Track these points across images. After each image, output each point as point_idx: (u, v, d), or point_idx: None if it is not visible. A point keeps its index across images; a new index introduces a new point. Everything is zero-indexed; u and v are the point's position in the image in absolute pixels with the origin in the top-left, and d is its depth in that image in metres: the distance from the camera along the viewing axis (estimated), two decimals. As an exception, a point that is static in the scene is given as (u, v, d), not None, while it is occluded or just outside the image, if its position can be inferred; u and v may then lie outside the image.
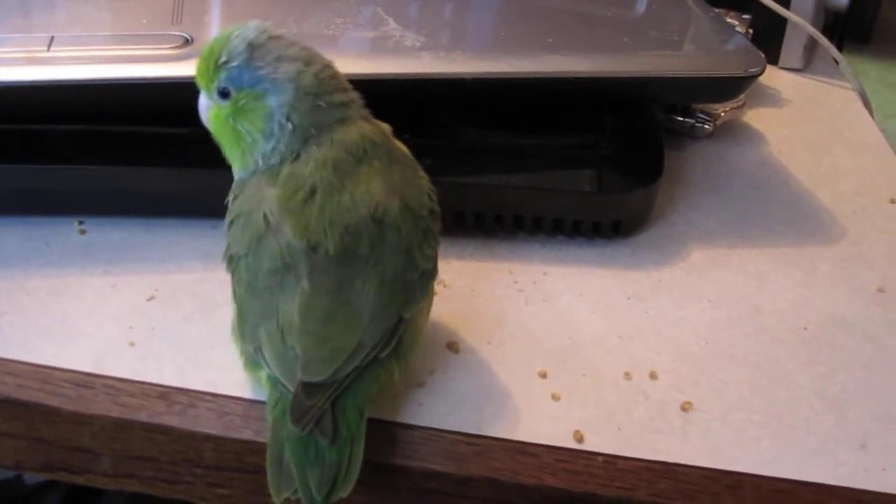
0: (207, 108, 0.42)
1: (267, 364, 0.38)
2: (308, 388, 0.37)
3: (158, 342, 0.44)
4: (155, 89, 0.48)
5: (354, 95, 0.41)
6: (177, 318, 0.46)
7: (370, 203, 0.38)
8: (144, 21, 0.53)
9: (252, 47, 0.39)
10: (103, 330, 0.45)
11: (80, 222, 0.51)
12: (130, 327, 0.45)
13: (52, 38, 0.50)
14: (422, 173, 0.42)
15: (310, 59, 0.40)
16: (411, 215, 0.40)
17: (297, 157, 0.39)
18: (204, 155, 0.50)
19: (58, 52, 0.49)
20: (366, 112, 0.42)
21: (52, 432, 0.42)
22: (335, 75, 0.41)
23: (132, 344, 0.44)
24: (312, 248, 0.38)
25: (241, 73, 0.39)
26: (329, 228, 0.38)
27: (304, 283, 0.38)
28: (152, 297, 0.47)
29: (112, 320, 0.45)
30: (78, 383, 0.42)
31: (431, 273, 0.41)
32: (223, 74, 0.40)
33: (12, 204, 0.50)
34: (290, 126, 0.39)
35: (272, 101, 0.39)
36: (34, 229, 0.50)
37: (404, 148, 0.42)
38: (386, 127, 0.42)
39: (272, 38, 0.40)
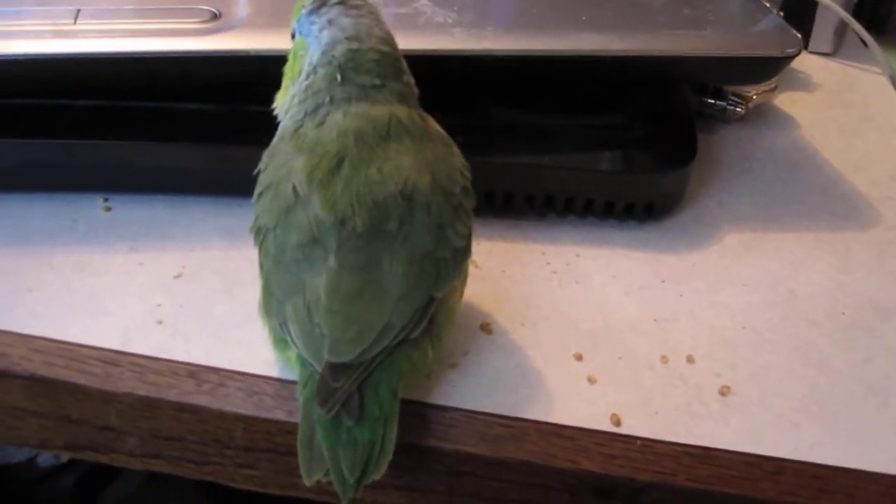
0: None
1: (293, 341, 0.37)
2: (335, 370, 0.36)
3: (186, 320, 0.44)
4: (183, 63, 0.48)
5: (394, 85, 0.41)
6: (204, 296, 0.45)
7: (399, 178, 0.38)
8: (171, -5, 0.52)
9: (319, 4, 0.41)
10: (130, 307, 0.44)
11: (105, 199, 0.50)
12: (158, 305, 0.44)
13: (79, 11, 0.49)
14: (456, 151, 0.41)
15: (360, 35, 0.41)
16: (442, 192, 0.39)
17: (322, 124, 0.39)
18: (230, 131, 0.50)
19: (84, 25, 0.48)
20: (408, 101, 0.41)
21: (79, 411, 0.41)
22: (380, 61, 0.40)
23: (160, 322, 0.43)
24: (341, 223, 0.37)
25: (302, 22, 0.42)
26: (356, 204, 0.37)
27: (331, 261, 0.37)
28: (179, 275, 0.46)
29: (139, 297, 0.45)
30: (105, 361, 0.42)
31: (464, 251, 0.40)
32: (296, 18, 0.42)
33: (37, 179, 0.50)
34: (306, 83, 0.41)
35: (308, 56, 0.41)
36: (59, 206, 0.49)
37: (442, 131, 0.41)
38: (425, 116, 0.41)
39: (345, 3, 0.41)
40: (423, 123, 0.41)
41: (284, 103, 0.42)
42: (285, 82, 0.43)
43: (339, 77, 0.40)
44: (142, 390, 0.41)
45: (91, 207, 0.50)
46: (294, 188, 0.38)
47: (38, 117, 0.49)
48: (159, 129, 0.50)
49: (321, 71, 0.40)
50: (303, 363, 0.38)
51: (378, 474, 0.36)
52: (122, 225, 0.49)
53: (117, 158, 0.49)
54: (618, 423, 0.40)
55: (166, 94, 0.50)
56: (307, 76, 0.41)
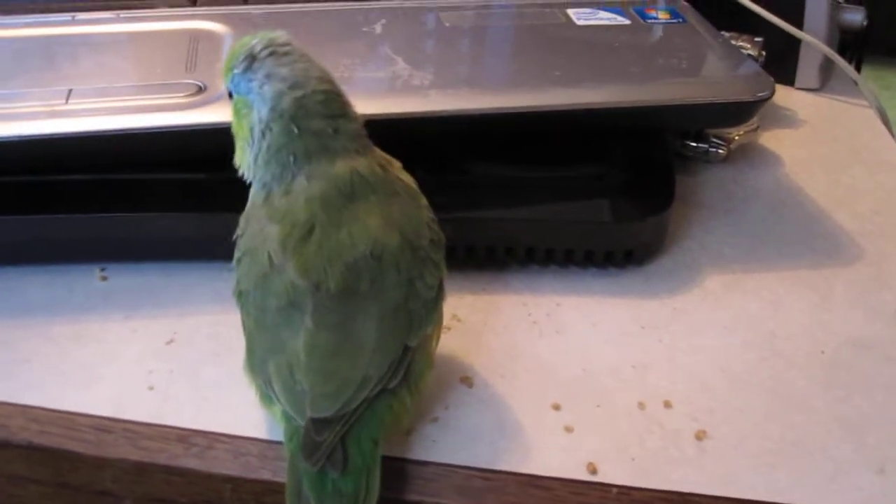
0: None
1: (277, 398, 0.39)
2: (317, 424, 0.37)
3: (177, 385, 0.45)
4: (171, 137, 0.49)
5: (347, 126, 0.41)
6: (195, 361, 0.47)
7: (368, 240, 0.39)
8: (159, 70, 0.55)
9: (251, 59, 0.41)
10: (123, 374, 0.46)
11: (102, 269, 0.52)
12: (150, 371, 0.46)
13: (70, 90, 0.51)
14: (423, 202, 0.42)
15: (300, 82, 0.40)
16: (410, 248, 0.40)
17: (290, 192, 0.40)
18: (220, 199, 0.51)
19: (76, 104, 0.51)
20: (364, 143, 0.42)
21: (76, 477, 0.43)
22: (326, 101, 0.41)
23: (151, 388, 0.45)
24: (315, 287, 0.38)
25: (239, 80, 0.41)
26: (329, 267, 0.39)
27: (308, 321, 0.38)
28: (171, 341, 0.48)
29: (133, 364, 0.46)
30: (99, 428, 0.43)
31: (436, 300, 0.41)
32: (229, 77, 0.42)
33: (35, 253, 0.52)
34: (265, 144, 0.41)
35: (255, 115, 0.41)
36: (57, 277, 0.51)
37: (408, 179, 0.42)
38: (387, 160, 0.42)
39: (274, 53, 0.41)
40: (384, 174, 0.41)
41: (248, 165, 0.42)
42: (239, 143, 0.43)
43: (295, 129, 0.40)
44: (134, 455, 0.42)
45: (88, 277, 0.52)
46: (269, 256, 0.40)
47: (35, 194, 0.51)
48: (152, 200, 0.52)
49: (275, 127, 0.40)
50: (288, 418, 0.39)
51: None
52: (117, 293, 0.51)
53: (112, 230, 0.51)
54: (594, 471, 0.41)
55: (157, 165, 0.52)
56: (262, 135, 0.41)
